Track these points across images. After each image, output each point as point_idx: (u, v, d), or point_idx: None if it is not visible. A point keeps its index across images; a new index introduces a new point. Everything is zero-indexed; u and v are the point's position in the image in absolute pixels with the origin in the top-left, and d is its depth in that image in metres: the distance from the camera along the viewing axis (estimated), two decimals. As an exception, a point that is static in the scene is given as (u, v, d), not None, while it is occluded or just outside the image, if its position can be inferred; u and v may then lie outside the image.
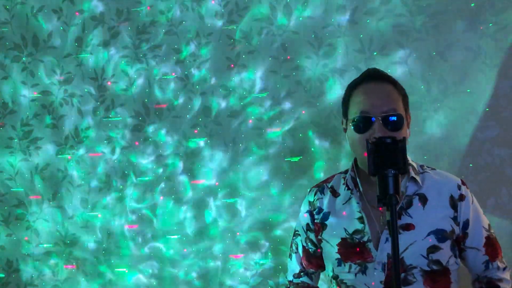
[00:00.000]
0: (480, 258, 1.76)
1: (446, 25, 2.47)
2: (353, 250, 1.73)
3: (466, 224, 1.73)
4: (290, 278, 1.99)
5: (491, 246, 1.77)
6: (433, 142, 2.49)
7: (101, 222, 2.88)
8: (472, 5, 2.44)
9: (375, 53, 2.55)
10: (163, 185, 2.81)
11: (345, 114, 1.79)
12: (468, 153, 2.46)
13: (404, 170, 1.38)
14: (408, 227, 1.69)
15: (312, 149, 2.63)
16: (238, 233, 2.73)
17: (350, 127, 1.72)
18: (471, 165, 2.45)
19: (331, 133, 2.61)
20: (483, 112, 2.44)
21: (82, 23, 2.87)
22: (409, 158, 1.78)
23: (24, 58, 2.94)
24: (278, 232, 2.68)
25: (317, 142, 2.63)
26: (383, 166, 1.37)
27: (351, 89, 1.78)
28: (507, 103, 2.43)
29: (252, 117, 2.70)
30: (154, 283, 2.83)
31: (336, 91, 2.60)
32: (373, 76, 1.76)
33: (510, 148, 2.43)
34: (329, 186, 1.88)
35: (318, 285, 2.04)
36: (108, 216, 2.87)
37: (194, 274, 2.78)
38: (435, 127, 2.49)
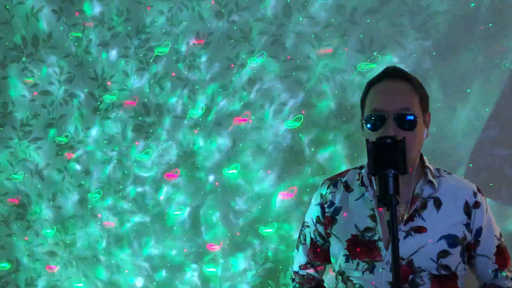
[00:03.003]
0: (490, 267, 1.75)
1: (446, 25, 2.47)
2: (362, 247, 1.72)
3: (479, 232, 1.72)
4: (296, 269, 1.98)
5: (502, 255, 1.76)
6: (433, 142, 2.49)
7: (101, 222, 2.88)
8: (472, 5, 2.44)
9: (375, 53, 2.54)
10: (164, 185, 2.81)
11: (362, 111, 1.78)
12: (468, 153, 2.45)
13: (404, 170, 1.38)
14: (420, 229, 1.68)
15: (312, 149, 2.63)
16: (238, 233, 2.73)
17: (365, 125, 1.71)
18: (471, 165, 2.45)
19: (331, 133, 2.61)
20: (483, 112, 2.44)
21: (82, 23, 2.87)
22: (426, 160, 1.78)
23: (24, 58, 2.94)
24: (278, 232, 2.68)
25: (317, 142, 2.63)
26: (383, 166, 1.37)
27: (369, 86, 1.76)
28: (507, 103, 2.43)
29: (252, 117, 2.70)
30: (154, 283, 2.83)
31: (336, 91, 2.60)
32: (390, 74, 1.74)
33: (510, 148, 2.43)
34: (342, 181, 1.86)
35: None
36: (109, 216, 2.87)
37: (194, 274, 2.78)
38: (435, 127, 2.49)
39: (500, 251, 1.76)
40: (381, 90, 1.71)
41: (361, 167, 1.85)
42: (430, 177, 1.72)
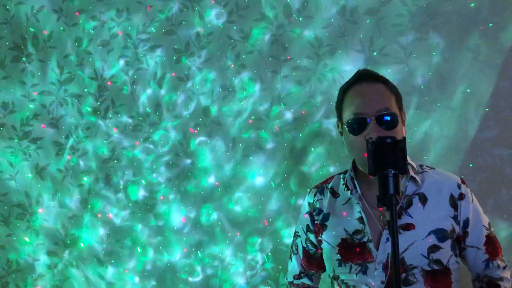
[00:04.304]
0: (480, 257, 1.75)
1: (446, 25, 2.47)
2: (353, 250, 1.73)
3: (466, 223, 1.73)
4: (290, 279, 1.99)
5: (491, 245, 1.76)
6: (433, 142, 2.49)
7: (101, 222, 2.88)
8: (472, 5, 2.45)
9: (375, 53, 2.55)
10: (163, 185, 2.81)
11: (339, 117, 1.80)
12: (468, 153, 2.46)
13: (404, 170, 1.38)
14: (409, 227, 1.69)
15: (312, 149, 2.64)
16: (238, 233, 2.73)
17: (345, 130, 1.72)
18: (471, 165, 2.45)
19: (331, 133, 2.61)
20: (483, 112, 2.44)
21: (82, 23, 2.87)
22: (408, 157, 1.78)
23: (24, 58, 2.94)
24: (278, 231, 2.69)
25: (317, 142, 2.63)
26: (383, 166, 1.37)
27: (343, 92, 1.78)
28: (507, 103, 2.43)
29: (252, 117, 2.70)
30: (154, 283, 2.83)
31: (335, 91, 2.60)
32: (364, 77, 1.76)
33: (510, 148, 2.43)
34: (328, 187, 1.88)
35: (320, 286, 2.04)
36: (109, 216, 2.87)
37: (194, 274, 2.78)
38: (435, 127, 2.49)
39: (490, 241, 1.76)
40: (359, 94, 1.72)
41: (345, 172, 1.87)
42: (412, 174, 1.73)
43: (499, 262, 1.77)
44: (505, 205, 2.42)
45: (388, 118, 1.66)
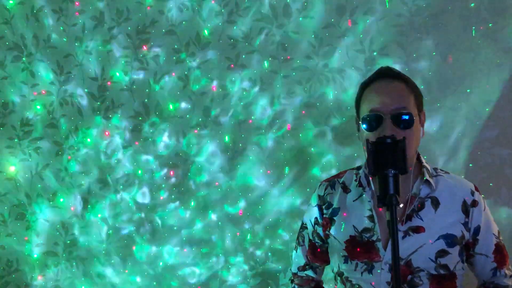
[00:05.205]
0: (488, 265, 1.75)
1: (446, 25, 2.47)
2: (361, 248, 1.72)
3: (477, 231, 1.72)
4: (295, 270, 1.98)
5: (500, 254, 1.76)
6: (433, 142, 2.49)
7: (101, 222, 2.88)
8: (472, 5, 2.44)
9: (375, 53, 2.54)
10: (163, 185, 2.81)
11: (357, 112, 1.78)
12: (468, 153, 2.46)
13: (405, 170, 1.37)
14: (418, 229, 1.68)
15: (312, 149, 2.63)
16: (238, 233, 2.73)
17: (362, 125, 1.70)
18: (471, 165, 2.45)
19: (331, 133, 2.61)
20: (483, 112, 2.44)
21: (82, 23, 2.87)
22: (424, 160, 1.78)
23: (24, 58, 2.94)
24: (278, 232, 2.68)
25: (317, 142, 2.63)
26: (383, 166, 1.37)
27: (363, 87, 1.76)
28: (507, 103, 2.43)
29: (252, 117, 2.70)
30: (154, 283, 2.83)
31: (336, 91, 2.60)
32: (385, 74, 1.74)
33: (510, 148, 2.43)
34: (340, 182, 1.86)
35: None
36: (108, 216, 2.87)
37: (194, 274, 2.78)
38: (435, 127, 2.49)
39: (499, 249, 1.75)
40: (377, 91, 1.70)
41: (358, 168, 1.85)
42: (427, 177, 1.72)
43: (506, 271, 1.76)
44: (505, 205, 2.42)
45: (404, 117, 1.64)
